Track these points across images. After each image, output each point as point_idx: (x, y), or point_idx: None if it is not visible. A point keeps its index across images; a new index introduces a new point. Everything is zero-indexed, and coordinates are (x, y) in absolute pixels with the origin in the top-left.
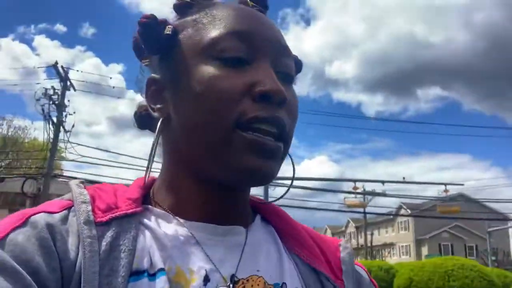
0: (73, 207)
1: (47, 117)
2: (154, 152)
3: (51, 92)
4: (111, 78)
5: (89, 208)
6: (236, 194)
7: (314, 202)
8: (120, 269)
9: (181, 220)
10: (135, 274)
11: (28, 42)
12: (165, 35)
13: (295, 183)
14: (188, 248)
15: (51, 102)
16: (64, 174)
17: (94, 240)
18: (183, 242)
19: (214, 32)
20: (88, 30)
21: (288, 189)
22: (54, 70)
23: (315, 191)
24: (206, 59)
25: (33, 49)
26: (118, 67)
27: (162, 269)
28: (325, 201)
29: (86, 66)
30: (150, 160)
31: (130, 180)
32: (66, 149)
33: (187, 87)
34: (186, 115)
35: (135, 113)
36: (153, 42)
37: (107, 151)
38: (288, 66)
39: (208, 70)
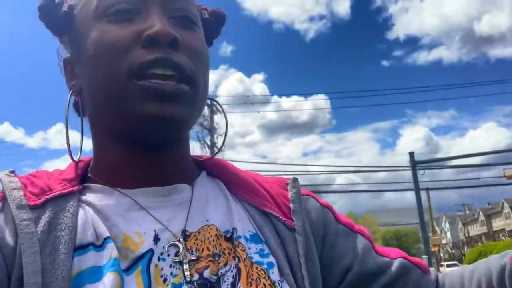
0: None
1: (201, 142)
2: (67, 127)
3: (201, 119)
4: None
5: (21, 193)
6: (163, 152)
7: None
8: (61, 247)
9: (122, 190)
10: (80, 248)
11: None
12: (62, 13)
13: (455, 162)
14: (133, 214)
15: (203, 128)
16: None
17: (30, 222)
18: (127, 209)
19: None
20: (227, 49)
21: (223, 145)
22: None
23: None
24: (98, 21)
25: None
26: (259, 77)
27: (108, 237)
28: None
29: (231, 82)
30: (81, 140)
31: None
32: None
33: (85, 53)
34: (88, 79)
35: (74, 104)
36: (54, 23)
37: (253, 163)
38: (183, 10)
39: (99, 29)
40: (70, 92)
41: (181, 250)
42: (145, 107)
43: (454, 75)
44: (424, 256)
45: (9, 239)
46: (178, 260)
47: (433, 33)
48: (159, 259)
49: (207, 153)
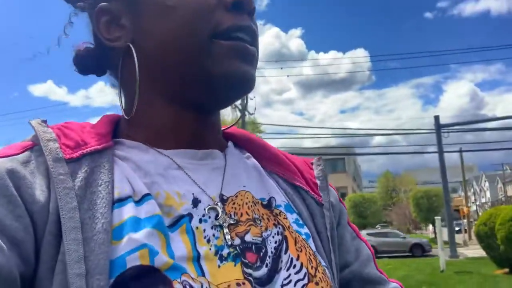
0: (35, 147)
1: (233, 105)
2: (137, 86)
3: None
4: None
5: (57, 145)
6: (209, 117)
7: None
8: (100, 201)
9: (158, 149)
10: (118, 201)
11: None
12: None
13: None
14: (172, 172)
15: None
16: None
17: (66, 177)
18: (165, 167)
19: None
20: (262, 2)
21: (241, 116)
22: None
23: None
24: None
25: None
26: (296, 32)
27: (148, 194)
28: None
29: (267, 38)
30: (136, 92)
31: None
32: (253, 130)
33: (153, 5)
34: (157, 33)
35: (74, 59)
36: None
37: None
38: None
39: None
40: (111, 44)
41: (220, 214)
42: (233, 66)
43: (502, 27)
44: (437, 217)
45: (42, 195)
46: (218, 223)
47: None
48: (200, 221)
49: (237, 116)
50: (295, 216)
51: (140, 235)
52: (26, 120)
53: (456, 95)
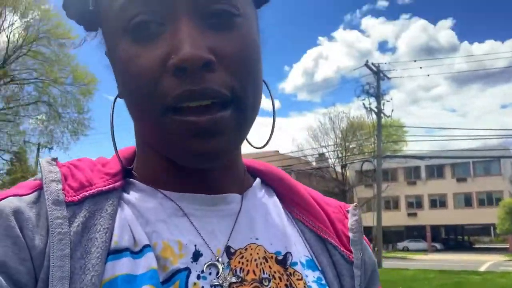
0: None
1: (368, 109)
2: (112, 127)
3: (366, 87)
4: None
5: (59, 186)
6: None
7: None
8: (94, 250)
9: (166, 193)
10: (114, 252)
11: (357, 27)
12: (89, 12)
13: None
14: (175, 220)
15: (369, 96)
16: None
17: (64, 221)
18: (169, 215)
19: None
20: None
21: (269, 140)
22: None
23: None
24: (122, 34)
25: (362, 32)
26: (446, 23)
27: (147, 245)
28: None
29: (412, 32)
30: (112, 138)
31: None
32: (390, 133)
33: (115, 66)
34: (124, 97)
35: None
36: (84, 22)
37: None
38: (219, 8)
39: (123, 49)
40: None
41: (220, 272)
42: (184, 144)
43: None
44: None
45: (40, 239)
46: (217, 283)
47: None
48: (198, 277)
49: (373, 120)
50: (317, 274)
51: None
52: None
53: None
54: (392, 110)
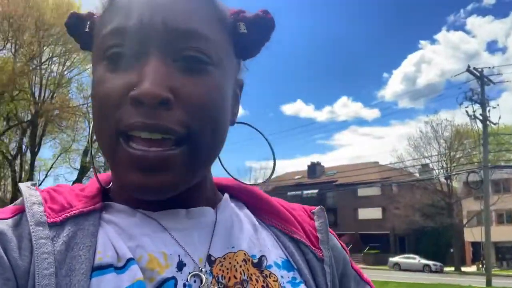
0: (25, 211)
1: (472, 117)
2: (91, 153)
3: (469, 93)
4: None
5: (41, 208)
6: None
7: None
8: (78, 267)
9: (145, 212)
10: (99, 269)
11: (461, 27)
12: (85, 33)
13: None
14: (159, 234)
15: (473, 103)
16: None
17: (47, 241)
18: (152, 230)
19: (104, 29)
20: None
21: (270, 176)
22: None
23: None
24: (101, 58)
25: (468, 32)
26: None
27: (131, 259)
28: None
29: None
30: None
31: None
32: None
33: (92, 86)
34: (93, 122)
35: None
36: (80, 41)
37: None
38: (191, 49)
39: (99, 72)
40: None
41: (204, 281)
42: (130, 176)
43: None
44: None
45: (23, 258)
46: None
47: None
48: (184, 285)
49: (478, 128)
50: (291, 273)
51: None
52: (280, 139)
53: None
54: (500, 117)
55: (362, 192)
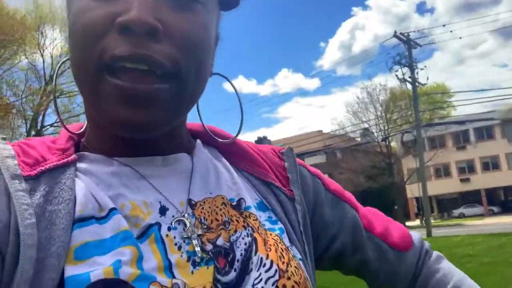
0: None
1: (401, 80)
2: (55, 98)
3: (397, 57)
4: None
5: (15, 162)
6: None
7: None
8: (59, 221)
9: (121, 159)
10: (80, 221)
11: None
12: None
13: None
14: (136, 183)
15: (402, 66)
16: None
17: (25, 193)
18: (130, 178)
19: None
20: None
21: (239, 131)
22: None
23: None
24: None
25: None
26: None
27: (114, 209)
28: None
29: None
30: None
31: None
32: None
33: (68, 28)
34: (70, 53)
35: None
36: None
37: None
38: None
39: (78, 4)
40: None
41: (188, 225)
42: (116, 111)
43: None
44: None
45: (2, 214)
46: (186, 236)
47: None
48: (169, 229)
49: (408, 90)
50: (267, 214)
51: (106, 258)
52: (226, 118)
53: None
54: (428, 78)
55: (308, 161)
